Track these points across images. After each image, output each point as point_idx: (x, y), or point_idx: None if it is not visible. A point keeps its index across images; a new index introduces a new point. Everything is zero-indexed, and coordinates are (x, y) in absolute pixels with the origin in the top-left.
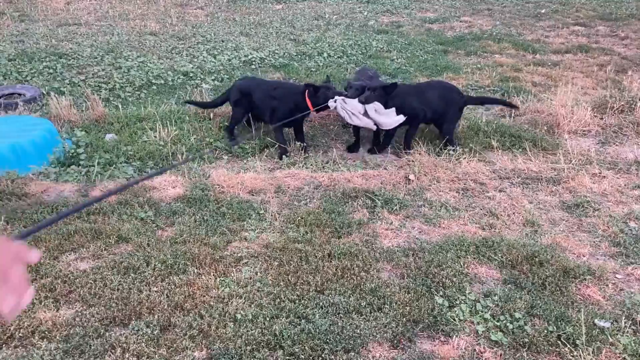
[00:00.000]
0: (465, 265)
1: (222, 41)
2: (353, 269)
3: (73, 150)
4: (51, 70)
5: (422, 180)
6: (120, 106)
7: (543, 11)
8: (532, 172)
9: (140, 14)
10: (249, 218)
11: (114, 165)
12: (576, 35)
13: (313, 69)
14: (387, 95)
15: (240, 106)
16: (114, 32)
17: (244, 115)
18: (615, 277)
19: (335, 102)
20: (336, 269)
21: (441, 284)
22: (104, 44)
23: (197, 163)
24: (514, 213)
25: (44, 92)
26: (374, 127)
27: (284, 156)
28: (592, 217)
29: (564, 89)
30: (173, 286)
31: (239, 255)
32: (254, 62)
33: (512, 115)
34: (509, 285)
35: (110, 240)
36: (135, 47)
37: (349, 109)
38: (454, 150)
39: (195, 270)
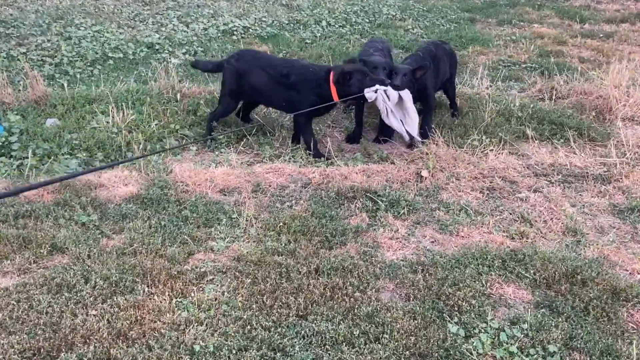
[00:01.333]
0: (488, 284)
1: (198, 6)
2: (346, 288)
3: (4, 139)
4: None
5: (437, 177)
6: (66, 85)
7: None
8: (576, 168)
9: None
10: (218, 223)
11: (53, 157)
12: (635, 0)
13: (308, 41)
14: (416, 80)
15: (235, 96)
16: None
17: (236, 107)
18: None
19: (376, 92)
20: (324, 288)
21: (456, 308)
22: (52, 9)
23: (159, 155)
24: (551, 219)
25: None
26: (407, 137)
27: (322, 158)
28: None
29: (618, 65)
30: (116, 309)
31: (202, 270)
32: (235, 32)
33: (554, 97)
34: (543, 310)
35: (41, 251)
36: (90, 14)
37: (390, 103)
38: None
39: (146, 289)
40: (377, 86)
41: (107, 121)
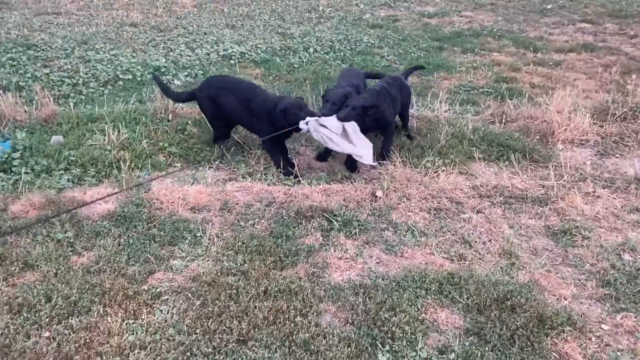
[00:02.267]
0: (424, 308)
1: (205, 34)
2: (289, 312)
3: (7, 155)
4: (14, 63)
5: (391, 197)
6: (76, 104)
7: (549, 7)
8: (517, 190)
9: (126, 3)
10: (182, 242)
11: (50, 173)
12: (582, 32)
13: (296, 65)
14: (367, 116)
15: (219, 119)
16: (92, 23)
17: (227, 128)
18: (601, 329)
19: (307, 124)
20: (268, 312)
21: (389, 335)
22: (79, 35)
23: (146, 171)
24: (490, 240)
25: (1, 86)
26: (361, 159)
27: (290, 174)
28: (580, 248)
29: (562, 92)
30: (69, 331)
31: (158, 290)
32: (233, 57)
33: (504, 121)
34: (471, 338)
35: (13, 268)
36: (110, 39)
37: (325, 132)
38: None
39: (101, 310)
40: (308, 118)
41: (103, 139)
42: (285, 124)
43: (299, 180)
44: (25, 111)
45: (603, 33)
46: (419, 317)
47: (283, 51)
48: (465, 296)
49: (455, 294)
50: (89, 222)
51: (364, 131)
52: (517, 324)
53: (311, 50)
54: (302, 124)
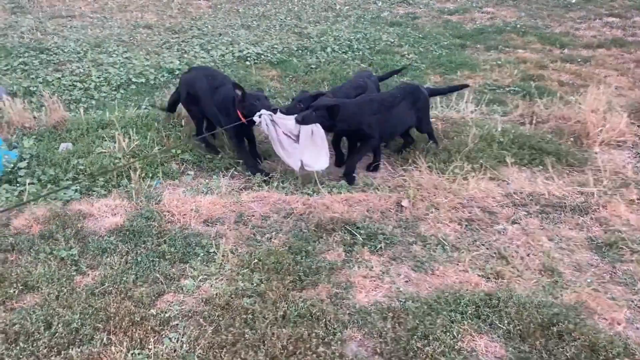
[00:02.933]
0: (460, 335)
1: (220, 35)
2: (310, 340)
3: (13, 165)
4: (26, 67)
5: (418, 206)
6: (87, 109)
7: (574, 1)
8: (554, 198)
9: (141, 5)
10: (194, 259)
11: (57, 184)
12: (610, 27)
13: (314, 66)
14: (332, 117)
15: (193, 109)
16: (105, 25)
17: (200, 120)
18: None
19: (260, 117)
20: (287, 340)
21: None
22: (92, 37)
23: (157, 179)
24: (528, 255)
25: (12, 91)
26: (297, 169)
27: (258, 174)
28: (629, 263)
29: (595, 90)
30: None
31: (167, 315)
32: (249, 58)
33: (534, 122)
34: None
35: (12, 291)
36: (124, 42)
37: (273, 131)
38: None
39: (105, 338)
40: (263, 111)
41: (112, 146)
42: (244, 114)
43: (266, 180)
44: (34, 117)
45: (632, 27)
46: (455, 346)
47: (300, 51)
48: (506, 321)
49: (494, 318)
50: (95, 238)
51: (351, 140)
52: (567, 354)
53: (329, 49)
54: (255, 116)
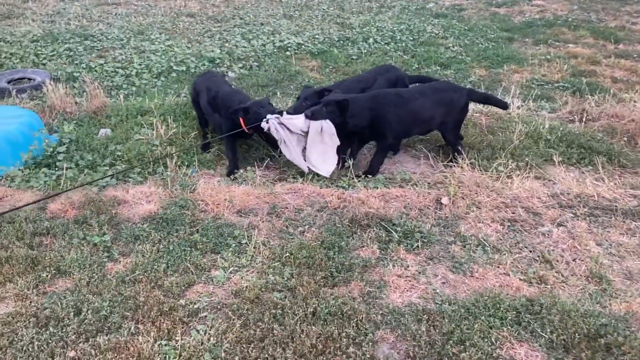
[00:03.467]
0: (499, 342)
1: (261, 24)
2: (340, 339)
3: (52, 149)
4: (71, 53)
5: (458, 204)
6: (127, 96)
7: None
8: (604, 200)
9: None
10: (226, 250)
11: (94, 169)
12: None
13: (355, 57)
14: (342, 113)
15: (197, 108)
16: (149, 13)
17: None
18: None
19: (267, 122)
20: (317, 338)
21: None
22: (135, 25)
23: (193, 167)
24: (574, 260)
25: (56, 76)
26: (306, 169)
27: (232, 174)
28: None
29: None
30: (96, 350)
31: (196, 306)
32: (289, 48)
33: (584, 120)
34: None
35: (45, 275)
36: (166, 29)
37: (283, 133)
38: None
39: (133, 327)
40: (269, 116)
41: (150, 134)
42: (251, 123)
43: (235, 178)
44: (76, 103)
45: None
46: (493, 354)
47: (341, 42)
48: (549, 329)
49: (536, 326)
50: (129, 225)
51: (362, 140)
52: None
53: (371, 40)
54: (263, 123)
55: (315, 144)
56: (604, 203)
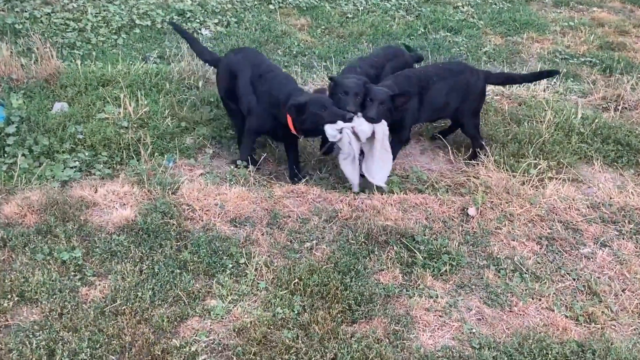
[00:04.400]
0: None
1: None
2: None
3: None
4: None
5: (487, 216)
6: (80, 58)
7: None
8: None
9: None
10: (222, 272)
11: (52, 157)
12: None
13: (350, 15)
14: (396, 109)
15: (230, 98)
16: None
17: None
18: None
19: (341, 132)
20: None
21: None
22: None
23: (170, 157)
24: (624, 290)
25: None
26: (357, 188)
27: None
28: None
29: None
30: None
31: (192, 349)
32: (272, 1)
33: (619, 108)
34: None
35: (6, 303)
36: None
37: (356, 147)
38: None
39: None
40: (341, 124)
41: (117, 112)
42: (303, 127)
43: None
44: (23, 66)
45: None
46: None
47: None
48: None
49: None
50: (102, 236)
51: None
52: None
53: None
54: (330, 130)
55: (377, 150)
56: None
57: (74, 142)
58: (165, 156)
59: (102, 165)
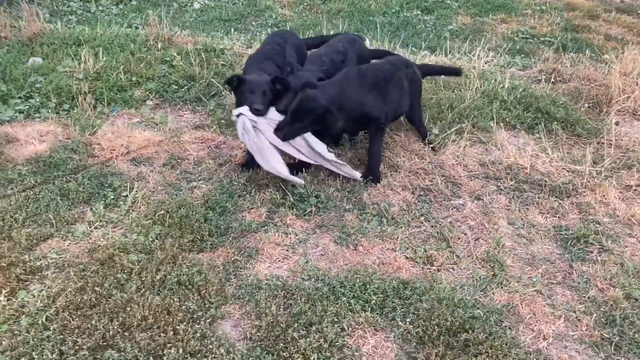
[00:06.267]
0: (350, 329)
1: None
2: (176, 313)
3: None
4: None
5: None
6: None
7: None
8: (537, 173)
9: None
10: (99, 201)
11: (5, 101)
12: None
13: None
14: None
15: None
16: None
17: None
18: None
19: (238, 116)
20: (152, 311)
21: None
22: None
23: (115, 106)
24: (477, 239)
25: None
26: (293, 178)
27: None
28: (591, 264)
29: (635, 50)
30: None
31: (39, 263)
32: None
33: (552, 80)
34: None
35: None
36: None
37: (253, 138)
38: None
39: None
40: (239, 109)
41: (76, 66)
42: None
43: None
44: (12, 27)
45: None
46: (337, 342)
47: None
48: (409, 319)
49: (399, 313)
50: (8, 167)
51: (352, 132)
52: None
53: None
54: (234, 112)
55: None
56: (535, 177)
57: (30, 90)
58: (111, 104)
59: (47, 110)
